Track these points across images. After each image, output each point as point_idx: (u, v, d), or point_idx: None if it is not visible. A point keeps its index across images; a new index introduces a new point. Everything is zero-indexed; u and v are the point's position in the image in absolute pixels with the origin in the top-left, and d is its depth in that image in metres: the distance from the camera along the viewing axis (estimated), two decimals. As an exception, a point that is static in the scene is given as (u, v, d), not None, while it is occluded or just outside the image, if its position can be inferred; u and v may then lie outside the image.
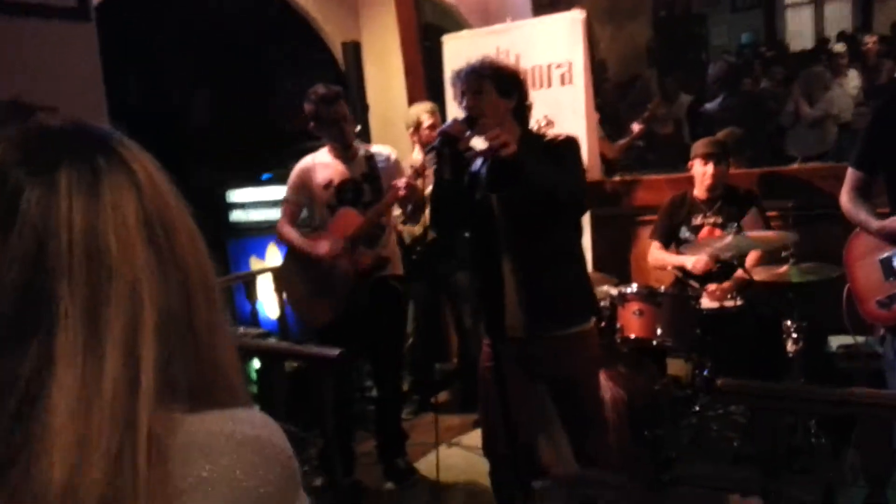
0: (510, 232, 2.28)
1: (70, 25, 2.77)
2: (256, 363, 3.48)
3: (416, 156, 3.71)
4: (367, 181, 3.08)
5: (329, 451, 2.87)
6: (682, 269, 3.42)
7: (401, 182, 2.92)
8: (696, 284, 3.34)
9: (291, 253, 3.17)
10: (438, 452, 2.94)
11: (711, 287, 3.26)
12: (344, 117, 3.01)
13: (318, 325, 3.10)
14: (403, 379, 3.63)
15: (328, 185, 3.07)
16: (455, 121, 2.25)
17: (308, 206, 3.19)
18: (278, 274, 3.31)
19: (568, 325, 2.30)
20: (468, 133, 2.23)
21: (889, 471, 2.19)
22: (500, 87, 2.25)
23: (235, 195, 5.24)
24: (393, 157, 3.18)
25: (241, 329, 3.49)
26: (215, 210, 5.24)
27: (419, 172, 2.99)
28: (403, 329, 3.52)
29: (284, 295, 3.40)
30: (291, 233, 3.10)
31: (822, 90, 5.47)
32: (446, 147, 2.20)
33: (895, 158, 2.15)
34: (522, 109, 2.32)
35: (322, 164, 3.11)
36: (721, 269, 3.33)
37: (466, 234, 2.99)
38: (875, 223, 2.18)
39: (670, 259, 3.45)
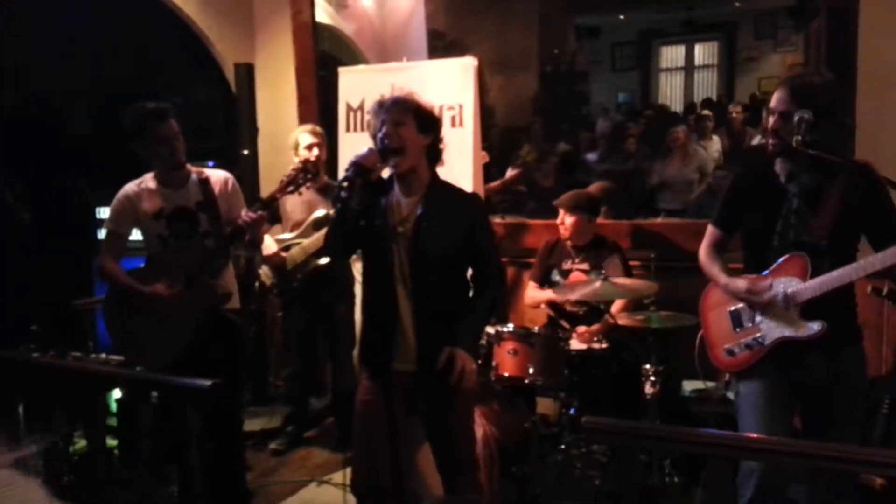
0: (414, 268, 2.30)
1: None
2: (117, 392, 3.28)
3: None
4: (203, 209, 2.83)
5: (190, 486, 2.73)
6: (553, 305, 3.60)
7: (245, 213, 2.76)
8: (566, 325, 3.51)
9: (116, 290, 2.86)
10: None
11: (581, 329, 3.43)
12: (175, 136, 2.77)
13: (156, 366, 2.72)
14: (278, 413, 3.45)
15: (158, 213, 2.82)
16: (371, 151, 2.27)
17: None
18: (103, 310, 2.92)
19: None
20: (380, 164, 2.27)
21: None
22: (420, 123, 2.30)
23: (106, 212, 4.97)
24: (231, 182, 2.94)
25: (103, 356, 3.28)
26: (84, 227, 4.94)
27: (266, 203, 2.87)
28: (242, 368, 3.19)
29: (109, 334, 2.95)
30: (118, 272, 2.82)
31: (693, 150, 5.94)
32: (359, 177, 2.23)
33: (750, 220, 2.36)
34: (436, 149, 2.38)
35: (149, 190, 2.84)
36: (588, 312, 3.53)
37: (355, 263, 2.99)
38: (722, 279, 2.39)
39: (540, 295, 3.62)
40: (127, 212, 2.85)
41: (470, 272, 2.45)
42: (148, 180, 2.87)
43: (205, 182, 2.86)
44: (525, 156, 5.51)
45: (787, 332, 2.23)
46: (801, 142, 2.11)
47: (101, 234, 4.91)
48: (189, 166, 2.89)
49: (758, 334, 2.29)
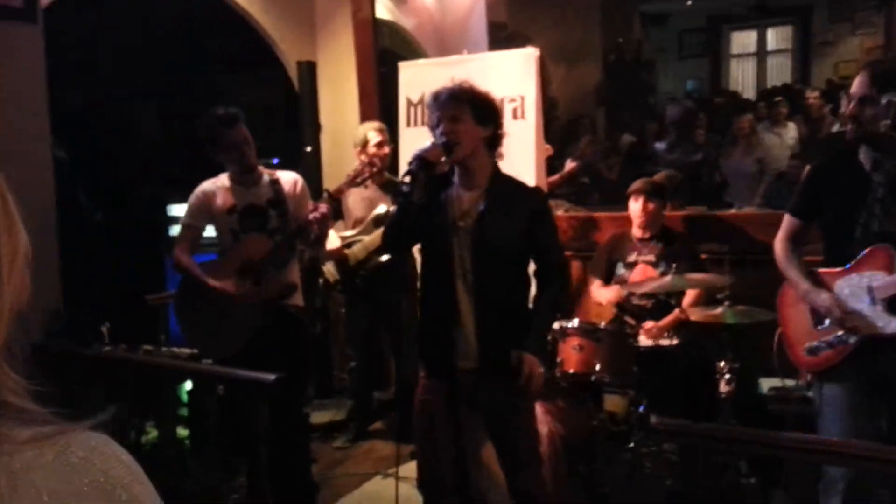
0: (475, 262, 2.26)
1: (16, 26, 2.70)
2: (188, 385, 3.36)
3: None
4: (273, 207, 2.92)
5: (258, 479, 2.77)
6: (619, 304, 3.49)
7: (315, 213, 2.80)
8: (632, 321, 3.40)
9: (188, 281, 2.94)
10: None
11: (648, 325, 3.32)
12: (245, 140, 2.85)
13: (221, 357, 2.85)
14: (307, 420, 3.42)
15: (231, 209, 2.91)
16: (433, 145, 2.25)
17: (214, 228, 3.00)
18: (174, 303, 3.04)
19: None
20: (444, 158, 2.25)
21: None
22: (477, 114, 2.25)
23: (176, 210, 5.12)
24: (300, 183, 3.02)
25: (173, 349, 3.37)
26: (155, 224, 5.10)
27: (334, 196, 2.90)
28: (306, 364, 3.26)
29: (179, 325, 3.09)
30: (191, 263, 2.91)
31: (757, 141, 5.70)
32: (422, 171, 2.20)
33: (831, 210, 2.23)
34: (496, 139, 2.33)
35: (224, 188, 2.95)
36: (657, 306, 3.41)
37: (417, 258, 3.00)
38: (802, 286, 2.24)
39: (603, 293, 3.52)
40: (203, 207, 2.96)
41: (533, 268, 2.39)
42: (223, 179, 2.98)
43: (275, 182, 2.96)
44: (585, 147, 5.38)
45: (872, 328, 2.08)
46: (891, 126, 1.98)
47: (173, 231, 5.12)
48: (261, 168, 2.99)
49: (841, 332, 2.16)
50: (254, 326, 2.82)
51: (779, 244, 2.36)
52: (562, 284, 2.43)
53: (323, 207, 2.83)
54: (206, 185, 2.99)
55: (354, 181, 2.95)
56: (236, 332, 2.83)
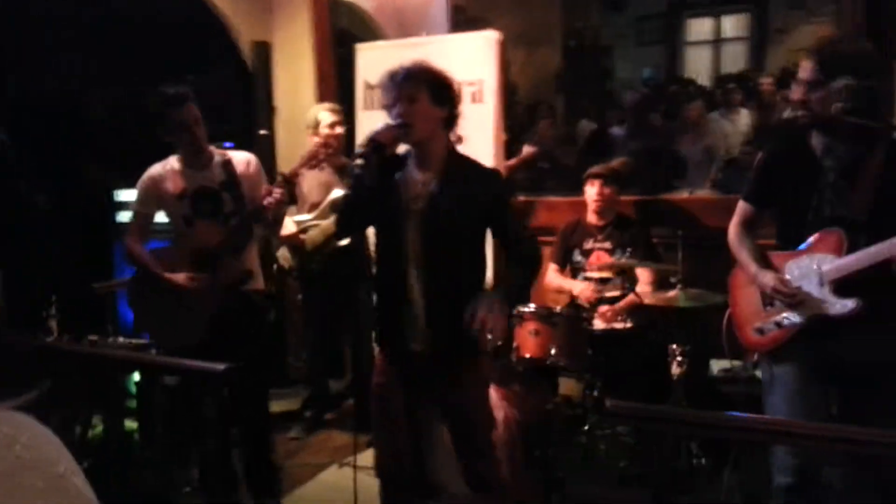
0: (426, 246, 2.23)
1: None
2: (136, 376, 3.28)
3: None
4: (227, 189, 2.83)
5: (209, 469, 2.72)
6: (581, 277, 3.53)
7: (271, 196, 2.73)
8: (586, 305, 3.43)
9: (143, 272, 2.88)
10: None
11: (603, 308, 3.35)
12: (195, 120, 2.76)
13: (179, 347, 2.73)
14: (268, 404, 3.40)
15: (182, 194, 2.82)
16: (388, 126, 2.20)
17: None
18: (127, 293, 2.98)
19: (474, 345, 2.24)
20: (398, 139, 2.21)
21: (766, 490, 2.29)
22: (434, 94, 2.22)
23: (124, 195, 4.96)
24: (253, 163, 2.93)
25: (121, 339, 3.27)
26: (102, 209, 4.94)
27: (288, 179, 2.83)
28: (268, 349, 3.25)
29: (134, 316, 3.03)
30: (142, 252, 2.85)
31: (706, 128, 5.79)
32: (375, 153, 2.16)
33: (784, 196, 2.26)
34: (452, 119, 2.30)
35: (174, 170, 2.85)
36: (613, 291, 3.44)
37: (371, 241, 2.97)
38: (752, 268, 2.27)
39: (563, 283, 3.54)
40: (151, 193, 2.87)
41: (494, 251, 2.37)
42: (172, 162, 2.88)
43: (227, 163, 2.86)
44: (543, 130, 5.38)
45: (820, 309, 2.12)
46: (842, 110, 2.00)
47: (121, 216, 4.97)
48: (212, 148, 2.89)
49: (788, 312, 2.19)
50: (211, 314, 2.76)
51: (732, 229, 2.39)
52: (535, 270, 2.37)
53: (277, 192, 2.75)
54: (155, 168, 2.88)
55: (309, 163, 2.87)
56: (193, 320, 2.76)
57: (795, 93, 2.18)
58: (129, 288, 2.97)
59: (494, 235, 2.35)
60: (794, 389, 2.19)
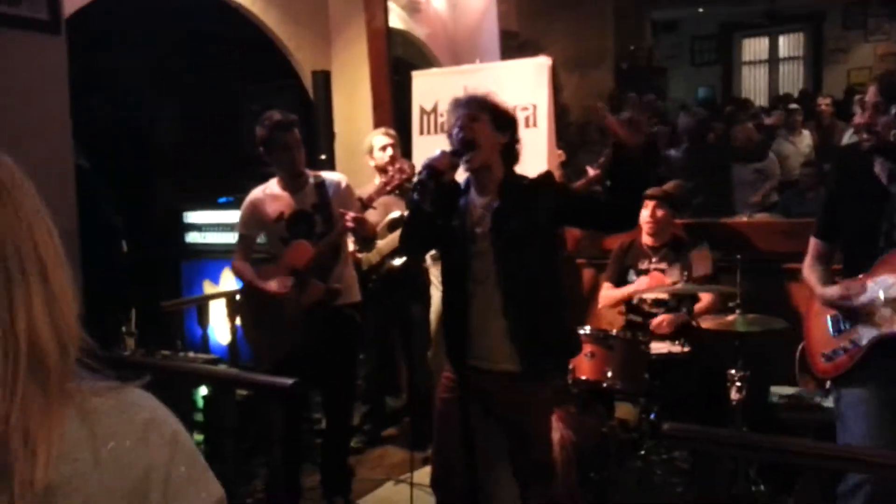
0: (499, 261, 2.28)
1: (40, 38, 2.76)
2: (203, 390, 3.41)
3: (378, 181, 3.73)
4: (318, 211, 3.00)
5: (275, 483, 2.81)
6: (630, 308, 3.51)
7: (348, 215, 2.87)
8: (640, 320, 3.42)
9: (247, 288, 3.11)
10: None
11: (657, 320, 3.32)
12: (296, 145, 2.96)
13: (273, 359, 3.00)
14: (354, 412, 3.57)
15: (279, 217, 3.01)
16: (443, 153, 2.29)
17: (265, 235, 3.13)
18: (237, 308, 3.27)
19: (556, 362, 2.34)
20: (453, 164, 2.29)
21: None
22: (496, 121, 2.30)
23: (192, 217, 5.18)
24: (343, 184, 3.10)
25: (191, 354, 3.42)
26: (172, 231, 5.16)
27: (366, 204, 2.96)
28: (356, 359, 3.44)
29: (240, 327, 3.33)
30: (245, 268, 3.05)
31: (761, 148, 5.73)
32: (431, 179, 2.25)
33: (851, 224, 2.25)
34: (512, 150, 2.37)
35: (272, 195, 3.05)
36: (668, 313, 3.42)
37: (428, 261, 3.05)
38: (818, 289, 2.28)
39: (620, 292, 3.53)
40: (253, 216, 3.07)
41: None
42: (272, 185, 3.08)
43: (321, 185, 3.03)
44: (609, 154, 5.38)
45: (884, 329, 2.10)
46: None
47: (189, 238, 5.17)
48: (307, 171, 3.07)
49: (855, 335, 2.17)
50: (298, 331, 2.92)
51: (806, 267, 2.37)
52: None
53: (350, 214, 2.88)
54: (256, 192, 3.10)
55: (384, 190, 3.01)
56: (282, 336, 2.95)
57: (859, 117, 2.18)
58: (238, 305, 3.25)
59: (580, 220, 2.40)
60: (867, 413, 2.16)
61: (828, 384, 2.43)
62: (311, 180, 3.04)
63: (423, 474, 2.96)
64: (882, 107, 2.08)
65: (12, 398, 0.62)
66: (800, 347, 2.41)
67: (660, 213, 3.47)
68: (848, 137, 5.63)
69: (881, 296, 2.10)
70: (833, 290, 2.22)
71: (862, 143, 2.19)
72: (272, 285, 2.93)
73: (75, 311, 0.69)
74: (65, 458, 0.63)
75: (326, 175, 3.12)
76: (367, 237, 3.13)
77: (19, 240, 0.66)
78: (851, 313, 2.18)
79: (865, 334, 2.15)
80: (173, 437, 0.70)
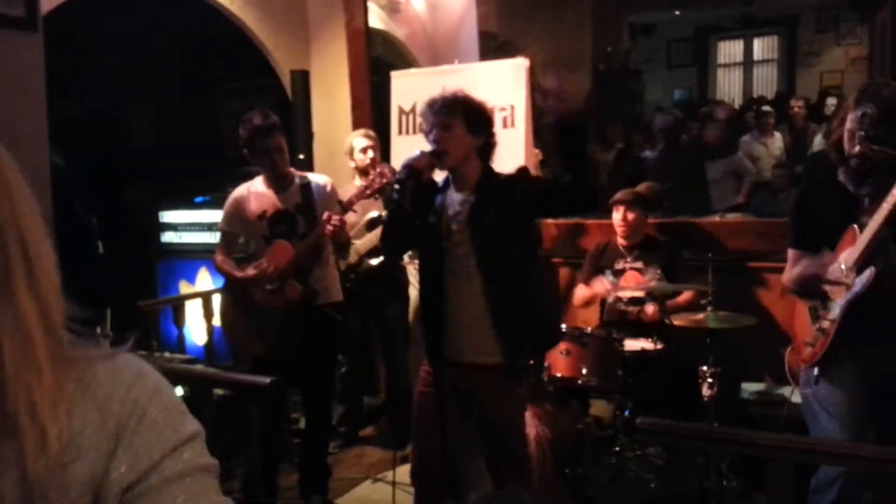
0: (478, 256, 2.31)
1: (17, 35, 2.72)
2: (180, 390, 3.39)
3: (357, 182, 3.74)
4: (301, 212, 3.02)
5: (253, 482, 2.81)
6: (605, 307, 3.56)
7: (333, 218, 2.87)
8: (631, 309, 3.48)
9: (228, 284, 3.13)
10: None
11: (650, 307, 3.38)
12: (278, 148, 2.97)
13: (253, 357, 3.04)
14: (333, 411, 3.58)
15: (261, 215, 3.02)
16: (422, 153, 2.32)
17: (244, 234, 3.14)
18: (220, 307, 3.26)
19: (537, 351, 2.40)
20: (433, 165, 2.33)
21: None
22: (469, 123, 2.33)
23: (168, 216, 5.14)
24: (329, 186, 3.11)
25: (167, 354, 3.41)
26: (147, 230, 5.12)
27: (346, 207, 2.97)
28: (336, 358, 3.47)
29: (221, 326, 3.33)
30: (226, 263, 3.07)
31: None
32: (410, 179, 2.28)
33: (832, 234, 2.26)
34: (488, 147, 2.40)
35: (256, 193, 3.06)
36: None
37: (406, 259, 3.08)
38: (797, 271, 2.32)
39: (587, 292, 3.59)
40: (235, 212, 3.08)
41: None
42: (258, 183, 3.09)
43: (305, 186, 3.04)
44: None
45: (847, 296, 2.14)
46: (864, 138, 2.05)
47: (165, 237, 5.14)
48: (292, 170, 3.08)
49: (830, 315, 2.23)
50: (277, 330, 2.94)
51: (786, 277, 2.39)
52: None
53: (335, 219, 2.88)
54: (240, 190, 3.11)
55: (365, 194, 3.00)
56: (261, 335, 2.98)
57: (849, 147, 2.17)
58: (220, 303, 3.24)
59: (534, 210, 2.42)
60: (841, 408, 2.20)
61: (809, 371, 2.44)
62: (297, 181, 3.06)
63: (402, 473, 2.98)
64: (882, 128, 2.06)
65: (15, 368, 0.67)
66: (787, 351, 2.45)
67: (631, 215, 3.53)
68: (819, 140, 5.75)
69: (843, 267, 2.16)
70: (810, 269, 2.27)
71: (830, 153, 2.25)
72: (250, 271, 2.96)
73: (58, 284, 0.73)
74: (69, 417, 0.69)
75: (312, 177, 3.14)
76: (342, 243, 3.15)
77: (3, 213, 0.70)
78: (828, 292, 2.23)
79: (837, 307, 2.20)
80: (155, 385, 0.76)
